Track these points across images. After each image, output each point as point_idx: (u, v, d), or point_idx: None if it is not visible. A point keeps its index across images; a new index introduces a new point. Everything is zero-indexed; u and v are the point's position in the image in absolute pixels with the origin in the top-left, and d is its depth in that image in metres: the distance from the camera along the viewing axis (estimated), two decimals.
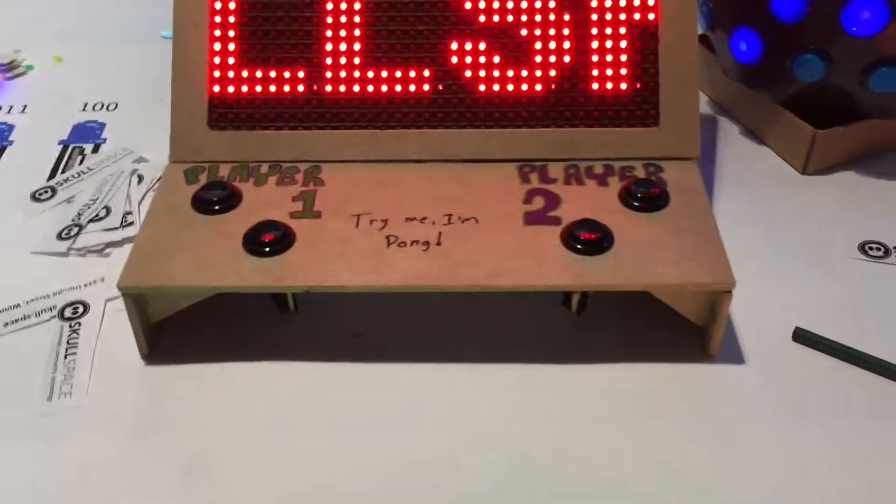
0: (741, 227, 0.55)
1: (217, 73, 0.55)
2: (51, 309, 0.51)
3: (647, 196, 0.50)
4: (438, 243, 0.48)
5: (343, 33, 0.54)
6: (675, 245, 0.47)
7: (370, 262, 0.47)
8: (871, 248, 0.54)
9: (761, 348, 0.48)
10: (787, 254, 0.55)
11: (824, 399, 0.46)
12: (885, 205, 0.58)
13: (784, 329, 0.49)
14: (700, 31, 0.62)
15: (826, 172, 0.61)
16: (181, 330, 0.49)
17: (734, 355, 0.48)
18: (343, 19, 0.54)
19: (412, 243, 0.48)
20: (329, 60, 0.54)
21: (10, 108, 0.70)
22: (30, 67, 0.74)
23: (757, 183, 0.60)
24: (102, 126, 0.67)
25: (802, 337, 0.48)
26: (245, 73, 0.55)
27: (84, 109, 0.69)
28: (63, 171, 0.63)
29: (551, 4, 0.54)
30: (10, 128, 0.67)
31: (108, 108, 0.70)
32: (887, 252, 0.54)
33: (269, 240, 0.48)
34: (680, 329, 0.48)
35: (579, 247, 0.47)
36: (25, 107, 0.70)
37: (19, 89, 0.72)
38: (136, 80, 0.73)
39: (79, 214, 0.58)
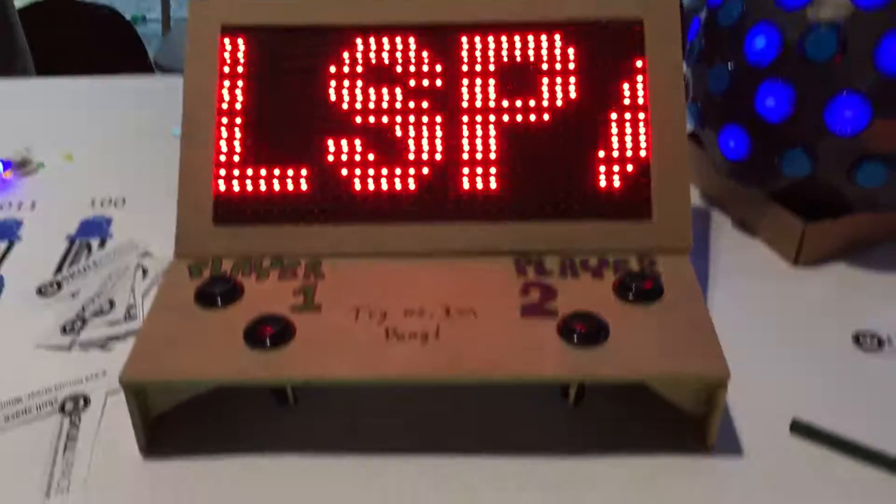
0: (735, 318, 0.56)
1: (223, 171, 0.56)
2: (52, 403, 0.52)
3: (640, 289, 0.51)
4: (437, 336, 0.49)
5: (343, 133, 0.56)
6: (669, 337, 0.48)
7: (369, 355, 0.48)
8: (864, 340, 0.55)
9: (759, 439, 0.48)
10: (781, 345, 0.55)
11: (823, 491, 0.45)
12: (877, 296, 0.59)
13: (781, 419, 0.49)
14: (689, 129, 0.65)
15: (817, 264, 0.62)
16: (180, 422, 0.49)
17: (732, 446, 0.48)
18: (343, 120, 0.57)
19: (410, 336, 0.49)
20: (330, 158, 0.56)
21: (21, 204, 0.72)
22: (41, 165, 0.76)
23: (749, 274, 0.61)
24: (110, 221, 0.69)
25: (799, 428, 0.49)
26: (250, 171, 0.56)
27: (93, 205, 0.71)
28: (70, 266, 0.64)
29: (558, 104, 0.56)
30: (19, 224, 0.69)
31: (115, 204, 0.71)
32: (881, 343, 0.55)
33: (269, 333, 0.49)
34: (677, 419, 0.48)
35: (575, 339, 0.48)
36: (35, 203, 0.72)
37: (30, 186, 0.74)
38: (144, 175, 0.75)
39: (83, 308, 0.59)
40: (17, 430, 0.50)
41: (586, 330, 0.48)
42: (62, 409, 0.51)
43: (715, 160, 0.65)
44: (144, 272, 0.63)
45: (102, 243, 0.66)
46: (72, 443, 0.49)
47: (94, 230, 0.68)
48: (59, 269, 0.64)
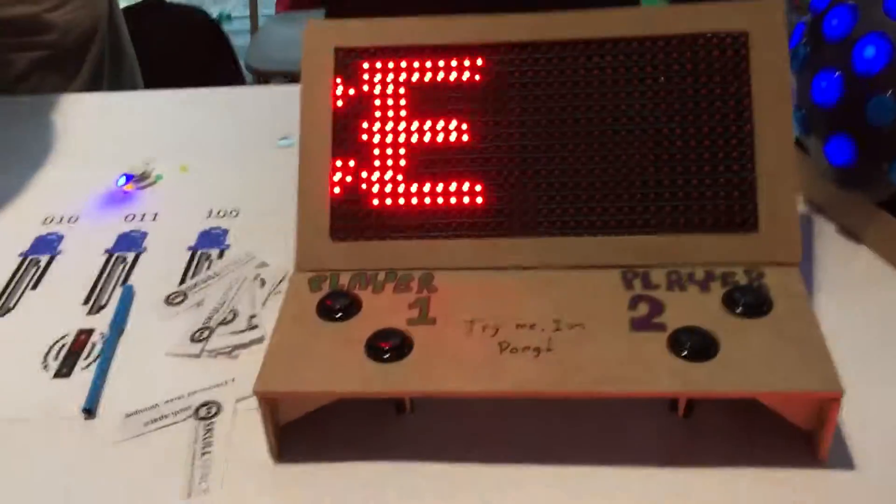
0: (845, 329, 0.56)
1: (337, 190, 0.59)
2: (187, 409, 0.55)
3: (749, 303, 0.52)
4: (549, 349, 0.51)
5: (454, 150, 0.59)
6: (780, 352, 0.49)
7: (484, 369, 0.50)
8: None
9: (872, 452, 0.49)
10: (891, 355, 0.55)
11: None
12: None
13: (894, 432, 0.49)
14: (795, 135, 0.65)
15: None
16: (307, 427, 0.52)
17: (845, 460, 0.48)
18: (442, 137, 0.59)
19: (524, 349, 0.51)
20: (445, 174, 0.58)
21: (143, 215, 0.76)
22: (159, 177, 0.81)
23: (856, 283, 0.61)
24: (226, 232, 0.73)
25: None
26: (364, 187, 0.59)
27: (209, 216, 0.75)
28: (192, 276, 0.68)
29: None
30: (144, 235, 0.73)
31: (230, 215, 0.75)
32: None
33: (388, 347, 0.51)
34: (789, 433, 0.49)
35: (685, 353, 0.49)
36: (157, 215, 0.76)
37: (151, 198, 0.79)
38: (254, 187, 0.79)
39: (209, 318, 0.63)
40: (157, 434, 0.54)
41: (696, 344, 0.49)
42: (196, 414, 0.55)
43: (820, 167, 0.65)
44: (262, 282, 0.66)
45: (221, 254, 0.70)
46: (207, 447, 0.53)
47: (212, 241, 0.72)
48: (183, 279, 0.68)
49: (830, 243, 0.66)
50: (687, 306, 0.53)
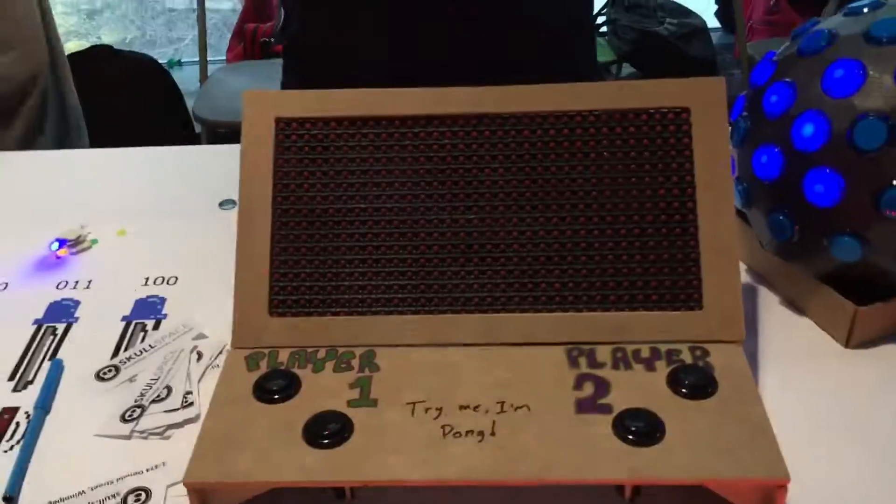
0: (788, 405, 0.56)
1: (278, 262, 0.58)
2: (115, 496, 0.53)
3: (694, 384, 0.51)
4: (493, 433, 0.49)
5: (386, 223, 0.58)
6: (726, 436, 0.48)
7: (427, 455, 0.48)
8: None
9: None
10: (837, 434, 0.55)
11: None
12: None
13: None
14: (737, 207, 0.65)
15: (870, 346, 0.62)
16: None
17: None
18: (384, 209, 0.58)
19: (467, 433, 0.49)
20: (384, 249, 0.57)
21: (76, 283, 0.73)
22: (94, 242, 0.78)
23: (801, 357, 0.61)
24: (163, 301, 0.71)
25: None
26: (304, 262, 0.58)
27: (146, 284, 0.73)
28: (126, 349, 0.65)
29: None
30: (76, 304, 0.71)
31: (168, 283, 0.73)
32: None
33: (328, 432, 0.49)
34: None
35: (631, 437, 0.48)
36: (90, 282, 0.73)
37: (85, 264, 0.76)
38: (194, 252, 0.76)
39: (141, 395, 0.60)
40: None
41: (642, 428, 0.48)
42: (125, 502, 0.52)
43: (762, 239, 0.65)
44: (199, 355, 0.64)
45: (157, 325, 0.68)
46: None
47: (148, 311, 0.69)
48: (116, 352, 0.65)
49: (774, 314, 0.66)
50: (633, 386, 0.52)
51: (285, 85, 1.00)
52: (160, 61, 3.03)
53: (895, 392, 0.58)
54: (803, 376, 0.60)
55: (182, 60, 3.19)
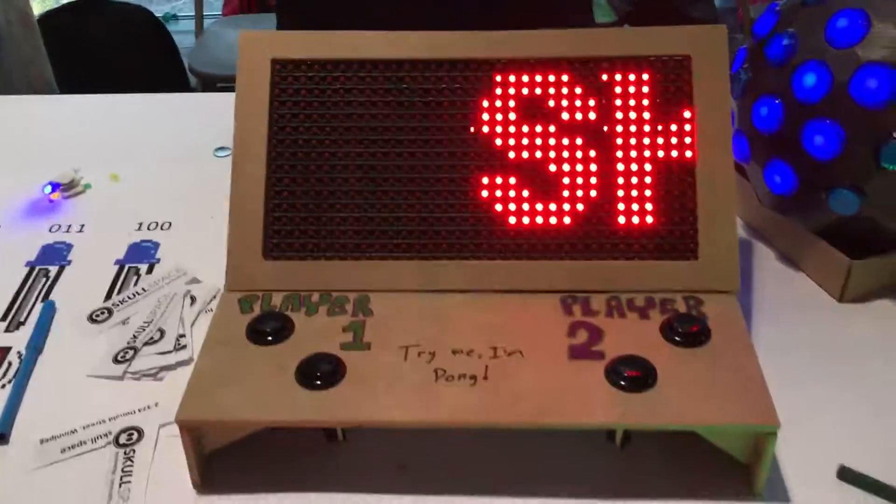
0: (781, 357, 0.56)
1: (272, 205, 0.57)
2: (106, 435, 0.53)
3: (687, 332, 0.51)
4: (485, 377, 0.49)
5: (383, 167, 0.57)
6: (718, 384, 0.48)
7: (419, 397, 0.48)
8: None
9: (807, 486, 0.48)
10: (829, 387, 0.55)
11: None
12: None
13: (829, 465, 0.49)
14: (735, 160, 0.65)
15: (864, 300, 0.62)
16: (232, 456, 0.50)
17: (780, 494, 0.48)
18: (382, 154, 0.57)
19: (460, 377, 0.49)
20: (381, 192, 0.57)
21: (69, 226, 0.73)
22: (88, 186, 0.78)
23: (794, 310, 0.61)
24: (157, 246, 0.70)
25: (848, 476, 0.49)
26: (299, 204, 0.57)
27: (139, 229, 0.72)
28: (119, 292, 0.65)
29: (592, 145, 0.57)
30: (69, 247, 0.70)
31: (161, 228, 0.72)
32: None
33: (320, 373, 0.49)
34: (725, 465, 0.49)
35: (623, 384, 0.48)
36: (83, 226, 0.73)
37: (78, 208, 0.75)
38: (188, 198, 0.76)
39: (134, 337, 0.60)
40: (73, 462, 0.51)
41: (634, 375, 0.48)
42: (117, 441, 0.52)
43: (759, 193, 0.65)
44: (193, 299, 0.64)
45: (150, 269, 0.68)
46: (127, 476, 0.50)
47: (141, 255, 0.69)
48: (109, 295, 0.65)
49: (769, 268, 0.66)
50: (626, 334, 0.52)
51: None
52: (165, 14, 2.99)
53: (887, 346, 0.58)
54: (796, 329, 0.60)
55: (179, 15, 3.14)
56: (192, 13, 2.21)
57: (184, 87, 2.09)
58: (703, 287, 0.55)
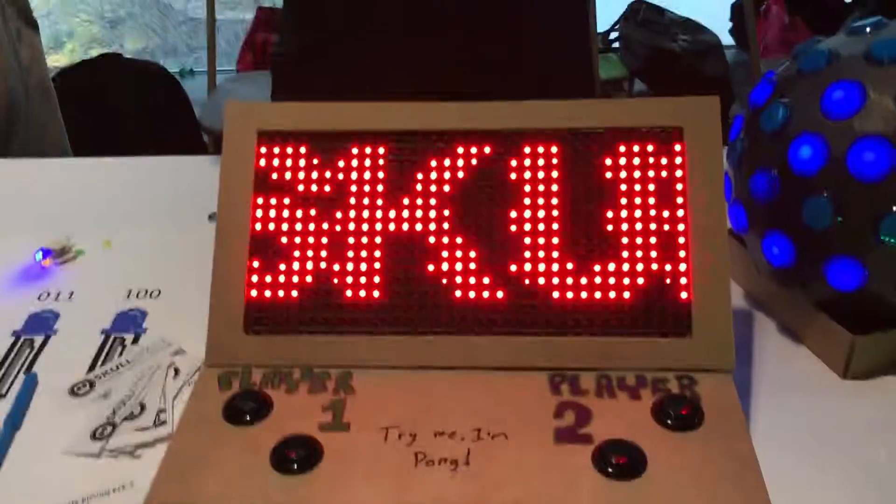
0: (779, 438, 0.54)
1: (255, 279, 0.56)
2: None
3: (679, 415, 0.49)
4: (467, 462, 0.48)
5: (365, 241, 0.56)
6: (710, 471, 0.46)
7: (398, 484, 0.46)
8: None
9: None
10: (830, 473, 0.52)
11: None
12: None
13: None
14: (733, 230, 0.63)
15: (868, 377, 0.59)
16: None
17: None
18: (365, 227, 0.56)
19: (440, 462, 0.48)
20: (364, 266, 0.56)
21: (59, 294, 0.72)
22: (80, 252, 0.77)
23: (795, 389, 0.59)
24: (144, 315, 0.69)
25: None
26: (282, 279, 0.56)
27: (128, 297, 0.71)
28: (102, 364, 0.64)
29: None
30: (56, 316, 0.69)
31: (151, 296, 0.72)
32: None
33: (296, 457, 0.48)
34: None
35: (611, 471, 0.46)
36: (73, 293, 0.72)
37: (69, 275, 0.75)
38: (181, 265, 0.75)
39: (114, 412, 0.58)
40: None
41: (623, 462, 0.46)
42: None
43: (759, 264, 0.63)
44: (176, 372, 0.62)
45: (136, 339, 0.66)
46: None
47: (128, 324, 0.68)
48: (93, 366, 0.64)
49: (770, 342, 0.64)
50: (615, 415, 0.50)
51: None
52: (178, 69, 3.04)
53: (891, 429, 0.55)
54: (797, 408, 0.57)
55: (195, 70, 3.19)
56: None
57: (196, 142, 2.12)
58: (697, 365, 0.53)
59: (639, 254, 0.55)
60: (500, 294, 0.55)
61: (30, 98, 1.19)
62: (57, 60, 3.16)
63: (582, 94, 1.00)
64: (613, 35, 2.75)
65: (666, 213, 0.55)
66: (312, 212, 0.57)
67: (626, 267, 0.54)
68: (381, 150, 0.57)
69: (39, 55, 1.23)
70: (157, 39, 3.64)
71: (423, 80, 0.76)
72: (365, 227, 0.56)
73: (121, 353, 0.65)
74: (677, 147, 0.55)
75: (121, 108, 2.06)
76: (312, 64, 0.92)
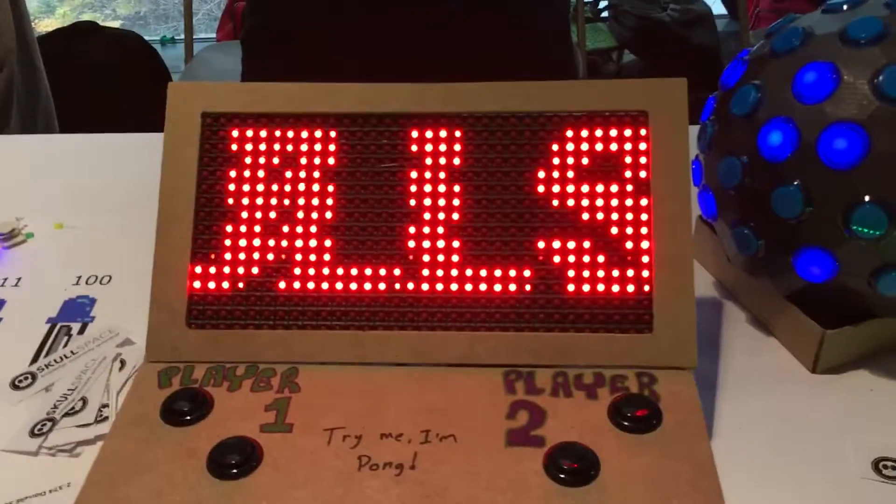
0: (747, 431, 0.52)
1: (198, 269, 0.53)
2: None
3: (637, 417, 0.47)
4: (412, 466, 0.45)
5: (314, 230, 0.53)
6: (666, 478, 0.44)
7: (338, 490, 0.44)
8: (885, 467, 0.50)
9: None
10: (793, 470, 0.50)
11: None
12: None
13: None
14: (703, 217, 0.61)
15: (838, 371, 0.57)
16: None
17: None
18: (315, 216, 0.53)
19: (385, 466, 0.46)
20: (313, 257, 0.53)
21: (5, 280, 0.69)
22: (29, 235, 0.74)
23: (764, 382, 0.57)
24: (93, 302, 0.67)
25: None
26: (226, 270, 0.53)
27: (77, 283, 0.69)
28: (46, 355, 0.61)
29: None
30: (2, 303, 0.67)
31: (101, 282, 0.69)
32: None
33: (233, 462, 0.45)
34: None
35: (563, 476, 0.44)
36: (20, 279, 0.69)
37: (16, 259, 0.72)
38: (134, 249, 0.72)
39: (54, 407, 0.56)
40: None
41: (574, 467, 0.44)
42: None
43: (728, 252, 0.61)
44: (122, 364, 0.60)
45: (83, 329, 0.64)
46: None
47: (75, 313, 0.65)
48: (36, 358, 0.61)
49: (739, 332, 0.62)
50: (570, 416, 0.48)
51: (245, 78, 0.95)
52: (162, 37, 2.98)
53: (857, 425, 0.53)
54: (765, 403, 0.55)
55: (177, 38, 3.13)
56: (200, 34, 2.19)
57: None
58: (658, 363, 0.51)
59: (599, 245, 0.52)
60: (454, 287, 0.52)
61: (24, 58, 1.17)
62: (48, 25, 3.09)
63: (561, 69, 0.97)
64: (603, 4, 2.70)
65: (629, 202, 0.52)
66: (259, 200, 0.54)
67: (586, 259, 0.52)
68: (333, 134, 0.54)
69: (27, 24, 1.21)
70: (150, 5, 3.58)
71: (387, 59, 0.72)
72: (314, 215, 0.54)
73: (66, 344, 0.62)
74: (642, 132, 0.53)
75: (96, 79, 2.02)
76: (280, 42, 0.88)
